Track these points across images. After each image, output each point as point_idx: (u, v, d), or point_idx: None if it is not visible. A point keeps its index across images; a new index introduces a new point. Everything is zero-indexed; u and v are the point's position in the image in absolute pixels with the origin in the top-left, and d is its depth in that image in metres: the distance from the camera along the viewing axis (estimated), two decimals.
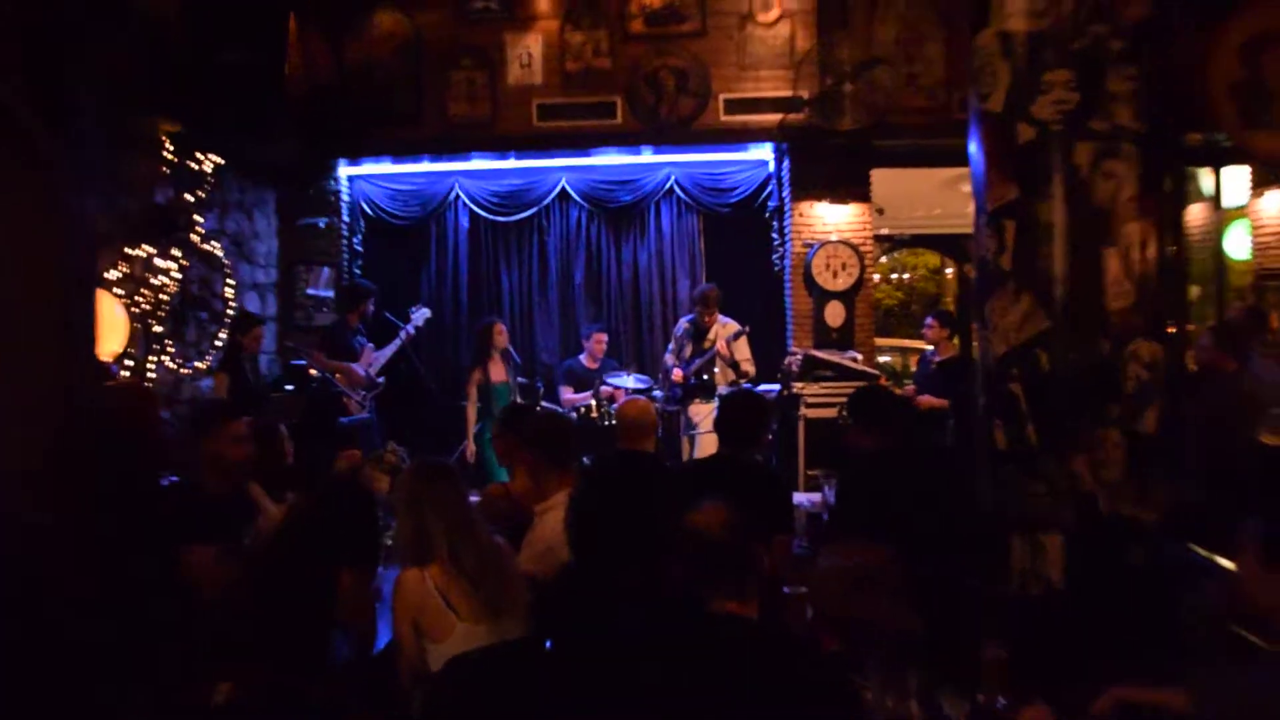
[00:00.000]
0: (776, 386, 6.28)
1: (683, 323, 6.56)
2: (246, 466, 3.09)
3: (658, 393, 6.48)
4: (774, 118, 6.88)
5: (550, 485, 2.90)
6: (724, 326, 6.34)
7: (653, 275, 7.72)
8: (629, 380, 6.60)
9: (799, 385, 6.09)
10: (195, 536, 2.75)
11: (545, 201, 7.63)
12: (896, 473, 3.08)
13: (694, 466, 3.73)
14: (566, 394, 6.81)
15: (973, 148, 3.08)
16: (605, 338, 6.95)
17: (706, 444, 6.06)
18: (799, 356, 6.32)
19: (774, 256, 7.39)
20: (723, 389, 6.19)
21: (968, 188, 3.52)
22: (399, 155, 7.41)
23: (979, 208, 3.07)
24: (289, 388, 5.73)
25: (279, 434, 3.54)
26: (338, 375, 6.08)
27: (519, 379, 6.53)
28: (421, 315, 6.56)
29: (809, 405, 5.99)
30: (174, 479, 3.17)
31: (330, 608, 2.27)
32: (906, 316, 12.18)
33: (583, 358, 6.99)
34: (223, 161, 6.26)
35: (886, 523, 2.76)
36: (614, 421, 5.57)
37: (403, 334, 6.42)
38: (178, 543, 2.71)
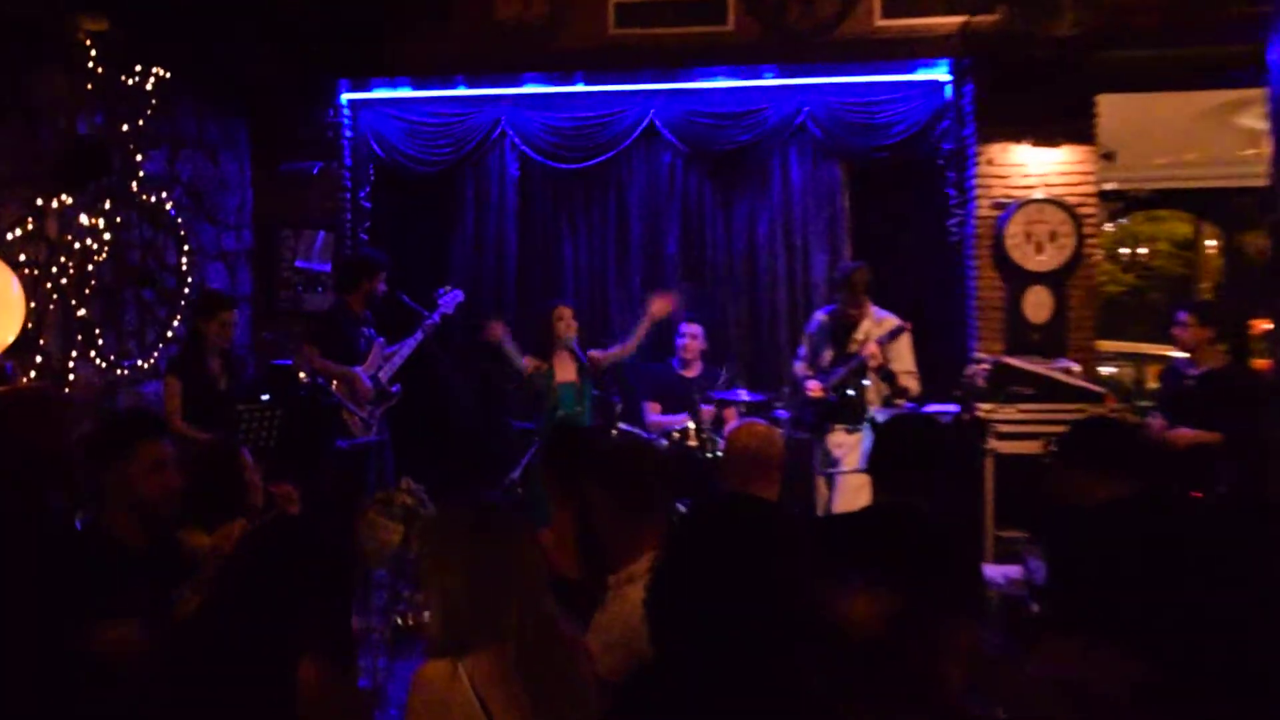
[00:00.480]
0: (952, 408, 6.27)
1: (819, 317, 6.52)
2: (168, 505, 3.07)
3: (781, 412, 6.47)
4: (954, 20, 6.90)
5: (628, 545, 2.82)
6: (877, 323, 6.28)
7: (776, 248, 7.68)
8: (742, 395, 6.56)
9: (986, 407, 6.05)
10: (104, 604, 2.75)
11: (625, 143, 7.63)
12: (1143, 537, 2.84)
13: (836, 523, 3.46)
14: (653, 412, 6.84)
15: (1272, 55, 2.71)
16: (701, 332, 6.88)
17: (852, 488, 6.04)
18: (986, 366, 6.29)
19: (950, 223, 7.36)
20: (877, 411, 6.11)
21: (1241, 119, 3.09)
22: (423, 76, 7.46)
23: None
24: (265, 398, 5.67)
25: (237, 460, 3.51)
26: (335, 381, 6.08)
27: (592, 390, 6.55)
28: (452, 300, 6.62)
29: (1000, 436, 5.99)
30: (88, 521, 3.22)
31: (284, 715, 2.20)
32: (1143, 309, 11.92)
33: (675, 362, 6.99)
34: (171, 77, 6.29)
35: (1130, 613, 2.57)
36: (720, 453, 5.61)
37: (425, 325, 6.43)
38: (82, 613, 2.72)
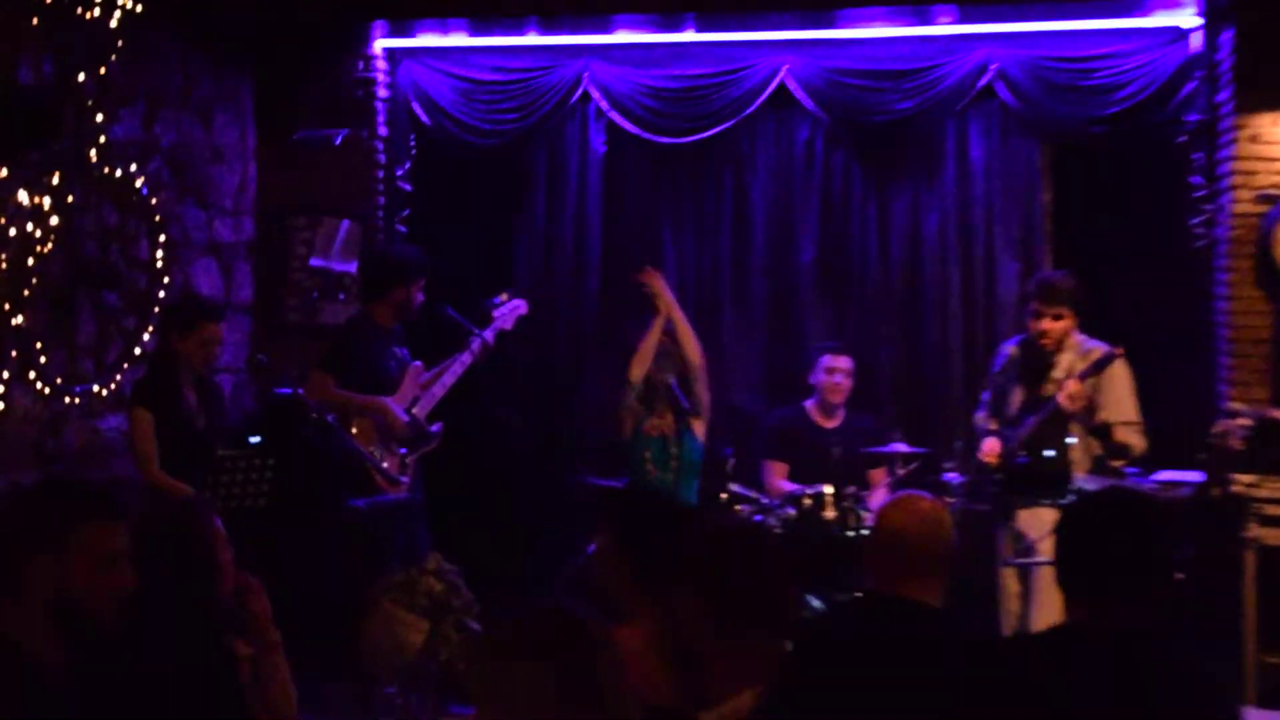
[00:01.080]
0: (1194, 477, 6.20)
1: (1007, 350, 6.45)
2: (111, 614, 3.06)
3: (951, 475, 6.43)
4: None
5: (729, 672, 2.85)
6: (1085, 354, 6.13)
7: (949, 254, 7.57)
8: (898, 449, 6.52)
9: (1245, 479, 5.98)
10: None
11: (748, 110, 7.57)
12: None
13: (1026, 647, 3.46)
14: (775, 475, 6.87)
15: None
16: (849, 367, 6.87)
17: (1053, 587, 5.44)
18: (1246, 421, 6.23)
19: (1193, 223, 7.16)
20: (1084, 480, 5.89)
21: None
22: (483, 16, 7.53)
23: None
24: (253, 441, 5.76)
25: (202, 535, 3.49)
26: (355, 421, 6.13)
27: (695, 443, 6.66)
28: (511, 312, 6.71)
29: (1265, 520, 5.94)
30: None
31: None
32: None
33: (810, 405, 6.97)
34: (146, 10, 6.23)
35: None
36: (865, 533, 5.93)
37: (475, 346, 6.51)
38: None
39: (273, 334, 7.53)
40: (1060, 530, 3.25)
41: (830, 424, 6.80)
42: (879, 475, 6.65)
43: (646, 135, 7.58)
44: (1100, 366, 5.95)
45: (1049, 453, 6.03)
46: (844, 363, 6.82)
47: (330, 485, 5.87)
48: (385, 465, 6.05)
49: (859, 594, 4.10)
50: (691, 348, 6.50)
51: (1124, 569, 3.05)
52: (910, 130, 7.45)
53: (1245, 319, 6.90)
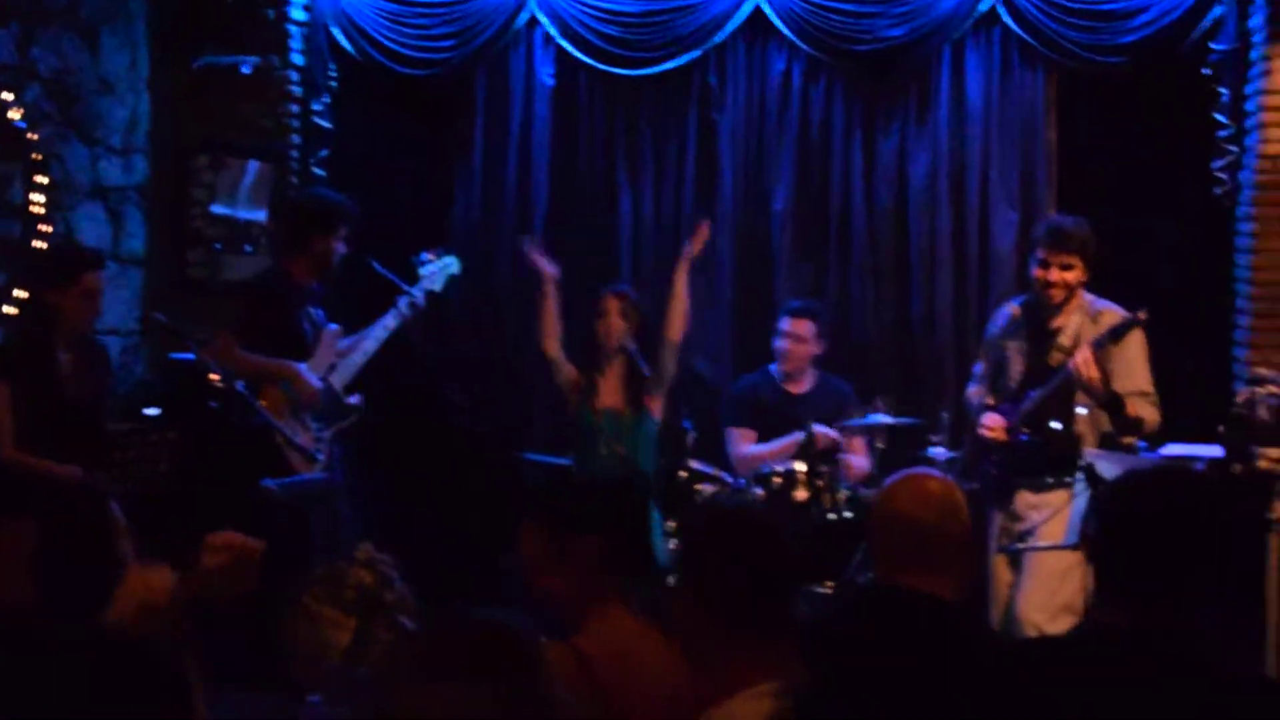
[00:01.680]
0: (1211, 452, 6.13)
1: (1006, 312, 6.27)
2: None
3: (938, 449, 6.37)
4: None
5: (731, 672, 2.83)
6: (1095, 317, 6.00)
7: (940, 201, 7.43)
8: (881, 420, 6.52)
9: (1272, 455, 5.91)
10: None
11: (718, 37, 7.45)
12: None
13: (1050, 652, 3.29)
14: (742, 444, 6.76)
15: None
16: (810, 332, 6.72)
17: (1053, 574, 5.90)
18: (1274, 388, 6.13)
19: (1216, 166, 7.04)
20: (1094, 455, 5.60)
21: None
22: None
23: None
24: (151, 411, 5.68)
25: (97, 518, 3.88)
26: (265, 390, 5.97)
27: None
28: (441, 271, 6.56)
29: None
30: None
31: None
32: None
33: (776, 370, 6.83)
34: None
35: None
36: (853, 514, 6.05)
37: (403, 307, 6.34)
38: None
39: (169, 291, 7.34)
40: (1098, 517, 3.20)
41: (798, 389, 6.68)
42: (855, 447, 6.55)
43: (601, 66, 7.43)
44: (1120, 333, 5.79)
45: (1055, 425, 5.90)
46: (803, 328, 6.68)
47: (240, 464, 5.69)
48: (300, 441, 5.85)
49: (864, 586, 3.96)
50: (678, 318, 6.25)
51: (1165, 563, 2.96)
52: (900, 61, 7.34)
53: (1271, 274, 6.85)
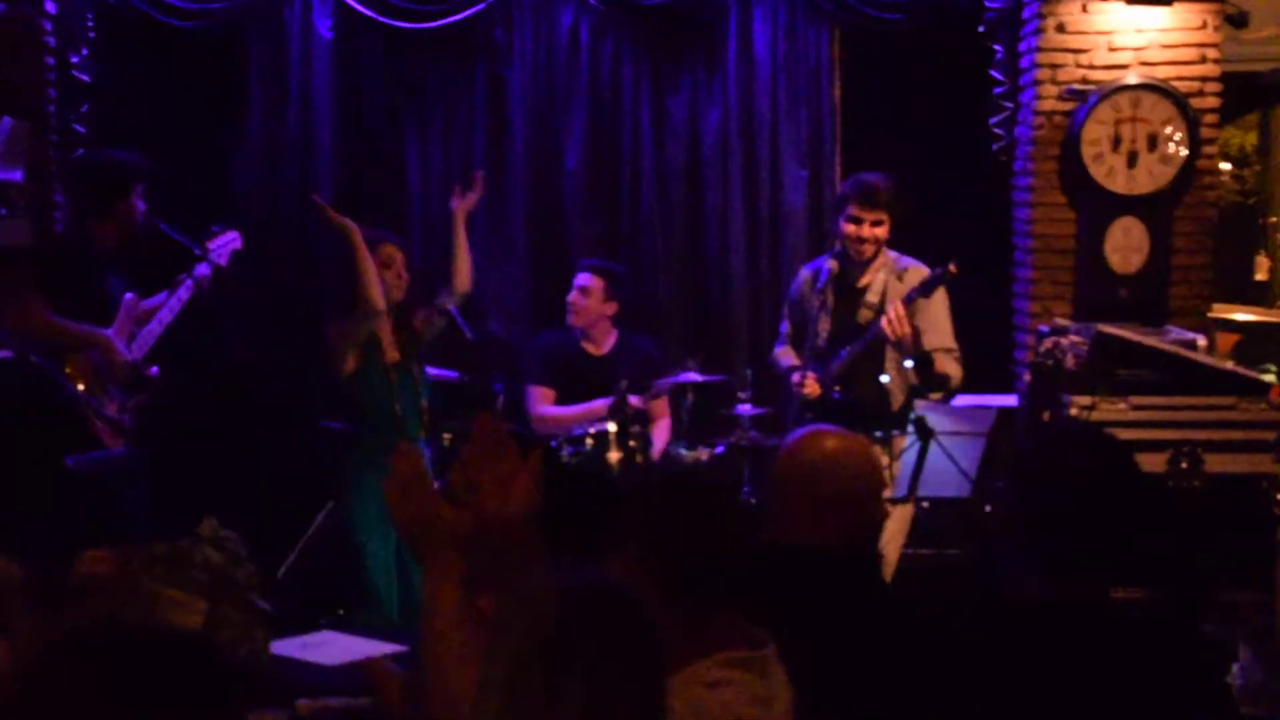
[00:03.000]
0: (1005, 400, 6.47)
1: (806, 273, 6.35)
2: None
3: (744, 407, 6.46)
4: None
5: (687, 643, 2.73)
6: (900, 274, 6.12)
7: (730, 157, 7.53)
8: (692, 377, 6.51)
9: (1081, 402, 6.10)
10: None
11: None
12: None
13: (999, 627, 3.28)
14: (541, 403, 6.76)
15: None
16: (592, 284, 6.69)
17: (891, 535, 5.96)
18: (1076, 338, 6.38)
19: (993, 121, 7.25)
20: (925, 408, 5.82)
21: None
22: None
23: None
24: None
25: None
26: (71, 359, 5.81)
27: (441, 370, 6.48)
28: (225, 246, 6.45)
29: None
30: None
31: None
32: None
33: (577, 332, 6.83)
34: None
35: None
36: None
37: (198, 275, 6.21)
38: None
39: None
40: (1021, 481, 3.17)
41: (600, 351, 6.66)
42: (660, 407, 6.56)
43: (381, 19, 7.28)
44: (930, 287, 5.85)
45: (884, 379, 6.00)
46: (591, 282, 6.65)
47: (44, 441, 5.49)
48: (109, 413, 5.64)
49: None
50: (464, 270, 6.13)
51: (1118, 535, 3.00)
52: (688, 17, 7.37)
53: (1047, 227, 7.04)
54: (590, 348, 6.63)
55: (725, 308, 7.44)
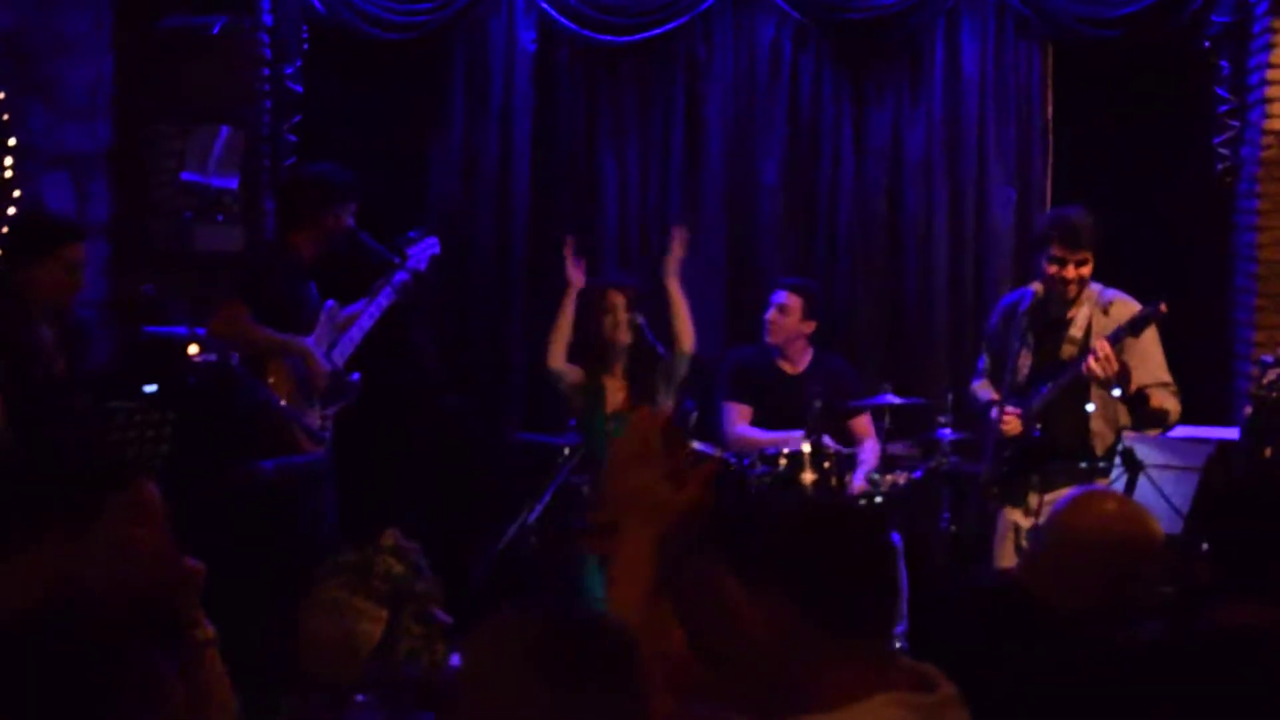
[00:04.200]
0: (1223, 433, 6.16)
1: (1011, 300, 6.25)
2: None
3: (945, 431, 6.39)
4: None
5: (836, 684, 2.64)
6: (1105, 307, 6.00)
7: (935, 176, 7.48)
8: (889, 400, 6.52)
9: None
10: None
11: (705, 4, 7.42)
12: None
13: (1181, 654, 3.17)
14: (739, 421, 6.74)
15: None
16: (794, 304, 6.68)
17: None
18: None
19: (1218, 141, 7.11)
20: (1133, 439, 5.61)
21: None
22: None
23: None
24: (149, 389, 5.55)
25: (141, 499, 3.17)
26: (271, 367, 5.89)
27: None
28: (425, 252, 6.50)
29: None
30: None
31: None
32: None
33: (773, 349, 6.82)
34: None
35: None
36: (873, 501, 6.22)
37: (396, 283, 6.27)
38: None
39: (135, 262, 7.15)
40: (1237, 514, 3.24)
41: (796, 369, 6.64)
42: (861, 427, 6.56)
43: (585, 32, 7.35)
44: (1140, 326, 5.71)
45: (1089, 407, 5.86)
46: (790, 300, 6.62)
47: (232, 443, 5.65)
48: (308, 421, 5.78)
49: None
50: (685, 328, 6.26)
51: None
52: (893, 31, 7.33)
53: (1276, 252, 6.89)
54: (786, 366, 6.60)
55: (925, 330, 7.37)
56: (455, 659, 3.93)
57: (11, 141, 6.43)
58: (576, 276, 6.18)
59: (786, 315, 6.59)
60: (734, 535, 2.79)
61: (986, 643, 3.08)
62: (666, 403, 6.22)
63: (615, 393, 6.24)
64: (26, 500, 2.93)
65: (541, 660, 2.08)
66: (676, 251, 6.48)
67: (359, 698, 3.66)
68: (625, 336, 6.23)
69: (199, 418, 5.84)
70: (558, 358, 6.26)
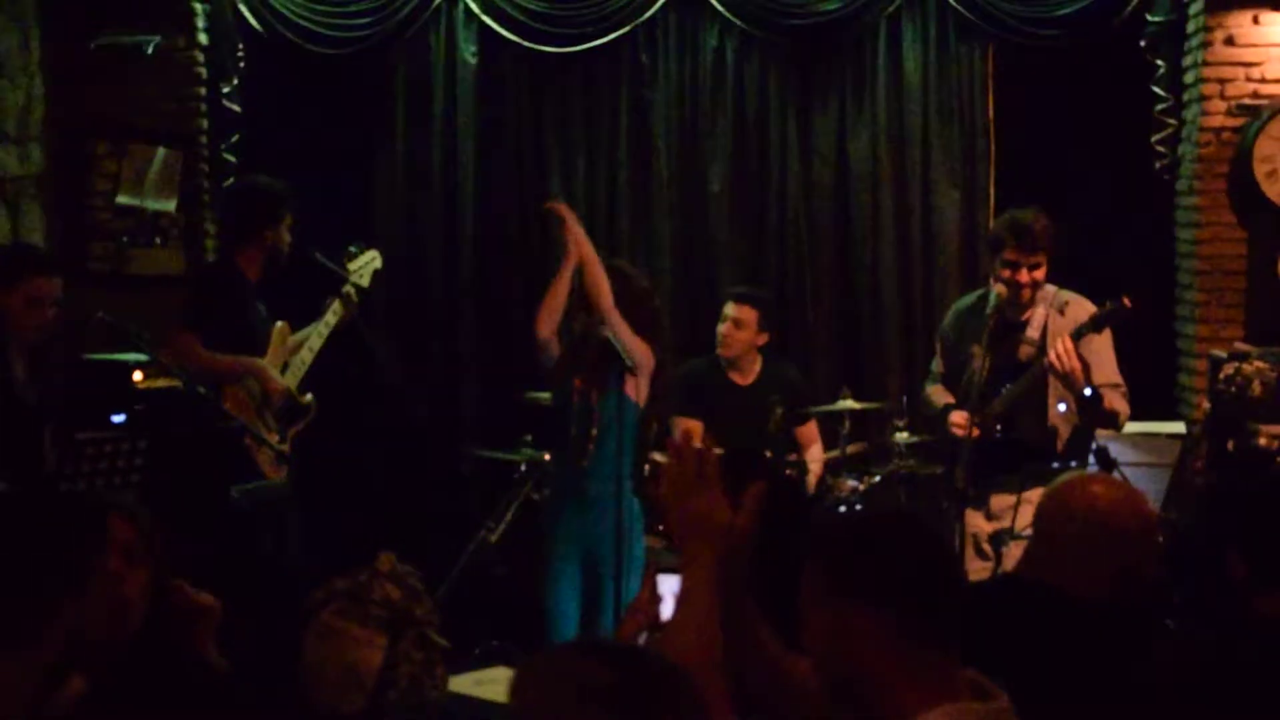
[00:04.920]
0: (1169, 428, 6.36)
1: (961, 308, 6.23)
2: None
3: (901, 435, 6.43)
4: None
5: (913, 692, 2.61)
6: (1061, 307, 5.98)
7: (880, 180, 7.54)
8: (847, 404, 6.45)
9: (1272, 430, 6.03)
10: None
11: (647, 12, 7.42)
12: None
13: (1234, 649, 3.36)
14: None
15: None
16: (747, 317, 6.61)
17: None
18: (1261, 363, 6.27)
19: (1153, 139, 7.19)
20: (1106, 439, 5.64)
21: None
22: None
23: None
24: (117, 419, 5.56)
25: (133, 526, 3.16)
26: (227, 391, 5.89)
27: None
28: (367, 265, 6.50)
29: None
30: None
31: None
32: None
33: (722, 359, 6.78)
34: None
35: None
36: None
37: (343, 301, 6.26)
38: None
39: (72, 286, 6.65)
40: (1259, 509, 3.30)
41: (746, 380, 6.59)
42: (808, 433, 6.53)
43: (526, 43, 7.36)
44: (1103, 323, 5.68)
45: (1060, 407, 5.82)
46: (745, 314, 6.56)
47: (212, 471, 5.57)
48: (270, 444, 5.73)
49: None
50: (604, 290, 5.87)
51: None
52: (836, 36, 7.35)
53: (1217, 247, 6.93)
54: (737, 377, 6.57)
55: (876, 333, 7.40)
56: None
57: None
58: (577, 238, 5.77)
59: (742, 329, 6.57)
60: (822, 546, 2.71)
61: (1001, 643, 3.07)
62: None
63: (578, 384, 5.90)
64: (32, 580, 2.78)
65: (603, 701, 2.06)
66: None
67: None
68: (601, 332, 5.94)
69: (163, 444, 5.65)
70: (547, 327, 5.89)
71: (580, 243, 5.74)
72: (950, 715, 2.47)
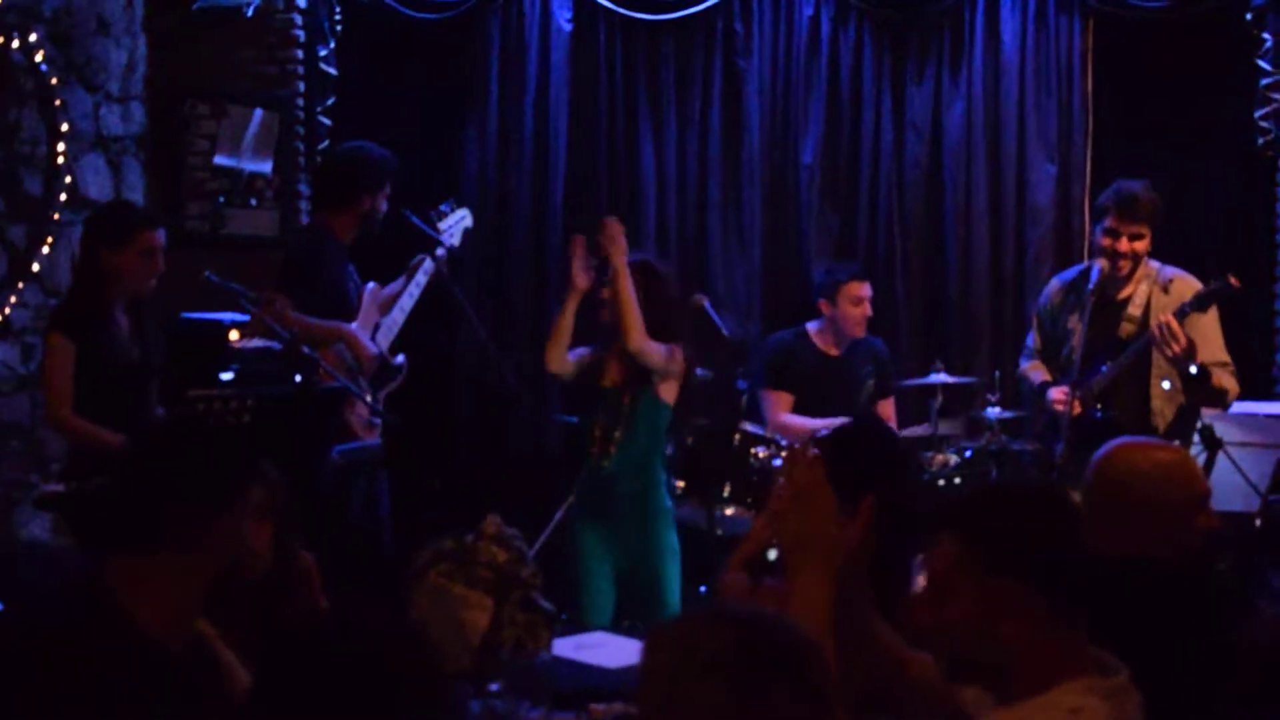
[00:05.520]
0: (1271, 408, 6.19)
1: (1058, 284, 6.21)
2: None
3: (993, 410, 6.30)
4: None
5: (1047, 668, 2.66)
6: (1165, 285, 5.93)
7: (976, 150, 7.47)
8: (941, 378, 6.45)
9: None
10: None
11: None
12: None
13: None
14: (780, 409, 6.64)
15: None
16: (866, 291, 6.61)
17: None
18: None
19: (1257, 115, 7.04)
20: (1212, 417, 5.53)
21: None
22: None
23: None
24: (225, 376, 5.39)
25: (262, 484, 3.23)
26: (322, 353, 5.84)
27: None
28: (457, 224, 6.52)
29: None
30: None
31: None
32: None
33: (814, 330, 6.70)
34: None
35: None
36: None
37: (438, 258, 6.28)
38: None
39: (169, 246, 6.89)
40: None
41: (836, 352, 6.56)
42: (887, 410, 6.53)
43: (620, 9, 7.39)
44: (1208, 301, 5.66)
45: (1165, 384, 5.81)
46: (867, 289, 6.56)
47: (309, 431, 5.49)
48: (363, 406, 5.79)
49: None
50: (633, 324, 5.56)
51: None
52: (933, 5, 7.34)
53: None
54: (828, 348, 6.58)
55: (966, 308, 7.37)
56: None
57: (64, 127, 6.36)
58: (582, 280, 5.72)
59: (858, 306, 6.55)
60: (969, 523, 2.75)
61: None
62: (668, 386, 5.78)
63: (612, 370, 5.82)
64: (197, 491, 2.87)
65: (730, 669, 2.07)
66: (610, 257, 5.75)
67: (492, 686, 3.67)
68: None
69: (268, 403, 5.65)
70: (557, 362, 5.86)
71: (620, 272, 5.55)
72: (1079, 690, 2.51)
